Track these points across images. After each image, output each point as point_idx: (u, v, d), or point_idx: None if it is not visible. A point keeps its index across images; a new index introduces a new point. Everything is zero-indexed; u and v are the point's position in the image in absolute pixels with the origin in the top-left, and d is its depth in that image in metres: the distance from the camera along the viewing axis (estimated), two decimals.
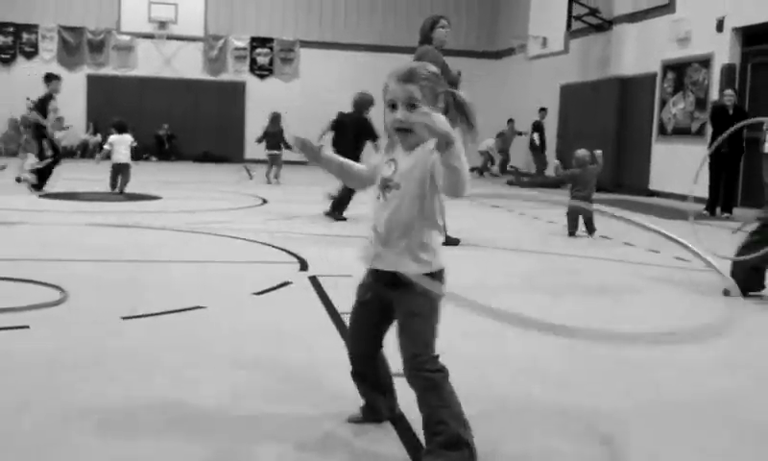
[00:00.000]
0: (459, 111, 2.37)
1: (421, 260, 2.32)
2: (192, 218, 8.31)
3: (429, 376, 2.30)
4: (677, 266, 6.41)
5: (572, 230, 8.32)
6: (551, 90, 19.75)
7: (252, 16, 23.04)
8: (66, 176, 12.92)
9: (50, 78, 11.56)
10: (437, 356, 2.33)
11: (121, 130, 11.32)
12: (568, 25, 17.91)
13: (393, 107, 2.33)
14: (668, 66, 15.48)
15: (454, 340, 3.25)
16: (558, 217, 10.21)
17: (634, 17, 16.60)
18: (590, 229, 8.26)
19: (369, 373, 2.60)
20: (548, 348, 3.64)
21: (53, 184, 11.20)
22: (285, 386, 3.05)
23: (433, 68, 2.40)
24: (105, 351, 3.42)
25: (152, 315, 4.08)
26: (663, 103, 15.67)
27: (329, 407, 2.80)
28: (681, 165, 14.54)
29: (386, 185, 2.36)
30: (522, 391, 3.13)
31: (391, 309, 2.41)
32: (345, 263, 5.91)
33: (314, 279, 5.19)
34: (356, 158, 12.43)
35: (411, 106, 2.29)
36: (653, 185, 15.80)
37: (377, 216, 2.37)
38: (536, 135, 18.44)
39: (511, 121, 19.85)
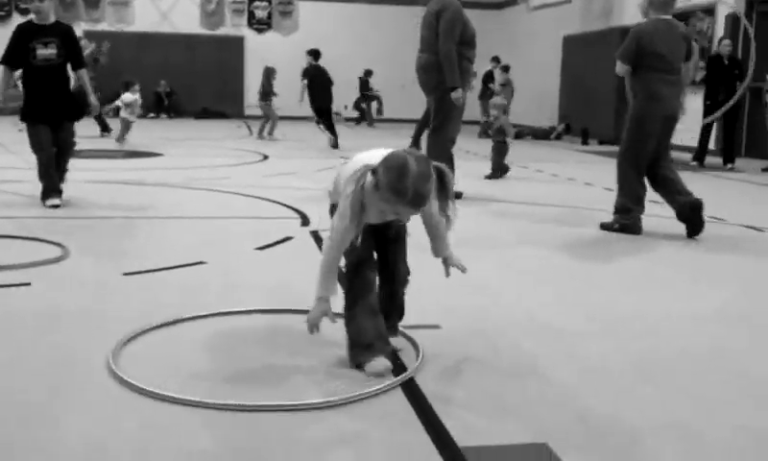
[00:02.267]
0: (443, 190, 2.63)
1: None
2: (193, 174, 8.25)
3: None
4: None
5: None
6: (554, 42, 19.53)
7: None
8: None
9: None
10: None
11: (128, 87, 12.51)
12: None
13: (396, 213, 2.62)
14: (672, 15, 15.27)
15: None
16: (563, 170, 10.15)
17: None
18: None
19: (393, 291, 3.02)
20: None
21: None
22: (287, 337, 3.04)
23: (431, 180, 2.53)
24: (104, 306, 3.40)
25: (153, 271, 4.05)
26: None
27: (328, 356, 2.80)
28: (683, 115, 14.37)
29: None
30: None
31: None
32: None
33: (315, 234, 5.16)
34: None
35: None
36: None
37: None
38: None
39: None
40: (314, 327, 2.72)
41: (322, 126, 13.06)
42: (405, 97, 19.45)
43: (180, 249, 4.65)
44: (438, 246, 2.97)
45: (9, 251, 4.51)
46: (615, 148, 13.81)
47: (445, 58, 6.70)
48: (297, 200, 6.55)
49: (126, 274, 3.97)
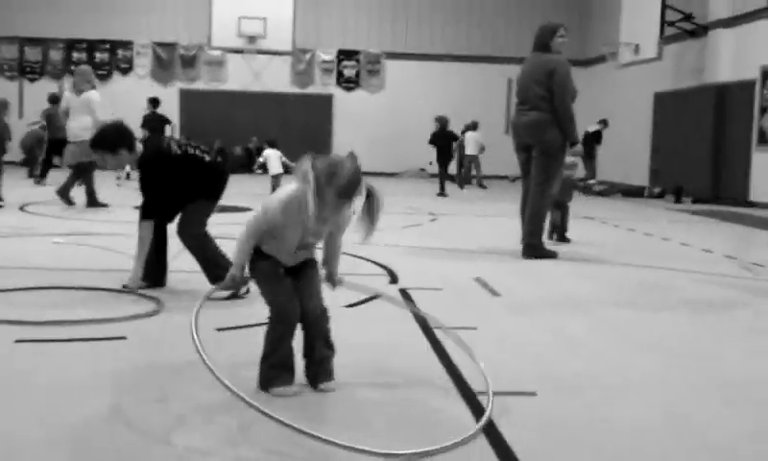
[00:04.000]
0: (369, 207, 2.84)
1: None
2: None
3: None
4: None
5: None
6: (644, 99, 19.22)
7: (339, 30, 23.23)
8: None
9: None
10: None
11: (272, 145, 13.60)
12: (661, 31, 17.39)
13: (323, 222, 2.91)
14: None
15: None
16: (654, 229, 9.88)
17: (730, 22, 16.00)
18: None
19: (313, 332, 3.10)
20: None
21: None
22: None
23: (362, 181, 2.82)
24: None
25: (243, 327, 4.05)
26: (764, 110, 15.04)
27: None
28: None
29: (307, 246, 3.07)
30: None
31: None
32: (434, 275, 5.81)
33: (404, 292, 5.10)
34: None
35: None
36: (753, 196, 15.17)
37: (295, 258, 3.08)
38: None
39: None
40: (226, 289, 3.26)
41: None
42: (493, 154, 19.28)
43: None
44: (333, 265, 3.13)
45: (105, 303, 4.59)
46: (711, 207, 13.42)
47: (566, 115, 6.78)
48: (384, 257, 6.51)
49: (219, 329, 3.98)
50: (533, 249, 6.88)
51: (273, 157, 13.31)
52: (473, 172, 18.82)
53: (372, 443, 2.48)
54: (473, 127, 18.65)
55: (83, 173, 10.39)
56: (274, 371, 3.01)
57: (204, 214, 4.91)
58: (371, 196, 2.84)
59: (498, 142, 20.37)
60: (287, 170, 12.70)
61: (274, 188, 12.11)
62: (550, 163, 6.88)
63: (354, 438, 2.50)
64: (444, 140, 15.95)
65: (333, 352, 3.12)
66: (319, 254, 3.17)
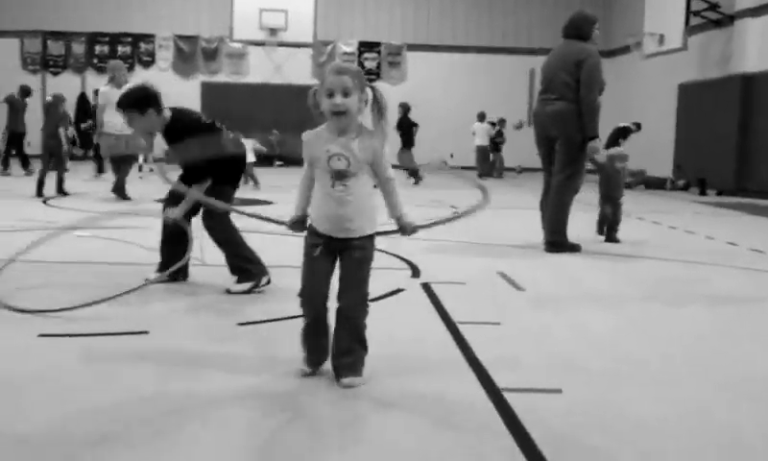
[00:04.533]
0: (378, 105, 2.98)
1: (370, 226, 3.03)
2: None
3: (365, 311, 3.06)
4: None
5: None
6: (668, 90, 19.02)
7: (360, 21, 23.19)
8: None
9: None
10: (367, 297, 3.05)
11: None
12: (687, 21, 17.18)
13: (330, 95, 2.89)
14: None
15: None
16: (678, 222, 9.77)
17: (757, 11, 15.77)
18: None
19: (325, 317, 3.07)
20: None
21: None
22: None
23: (357, 68, 3.03)
24: (216, 352, 3.39)
25: (266, 321, 4.04)
26: None
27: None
28: None
29: (343, 176, 2.92)
30: None
31: (334, 258, 3.04)
32: (457, 269, 5.77)
33: (427, 287, 5.07)
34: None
35: (345, 94, 2.88)
36: None
37: (335, 200, 2.94)
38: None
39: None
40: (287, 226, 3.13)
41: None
42: (518, 144, 19.22)
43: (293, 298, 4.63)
44: (391, 202, 3.07)
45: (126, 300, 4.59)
46: (736, 199, 13.26)
47: (589, 107, 6.59)
48: (406, 250, 6.47)
49: (240, 324, 3.97)
50: (556, 246, 6.77)
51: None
52: (492, 162, 18.94)
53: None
54: (481, 118, 18.87)
55: (122, 164, 10.73)
56: (303, 350, 3.14)
57: (227, 201, 4.77)
58: (375, 94, 2.98)
59: (522, 134, 20.26)
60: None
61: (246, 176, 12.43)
62: (575, 157, 6.72)
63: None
64: (405, 127, 16.66)
65: (362, 348, 3.07)
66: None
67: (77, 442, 2.46)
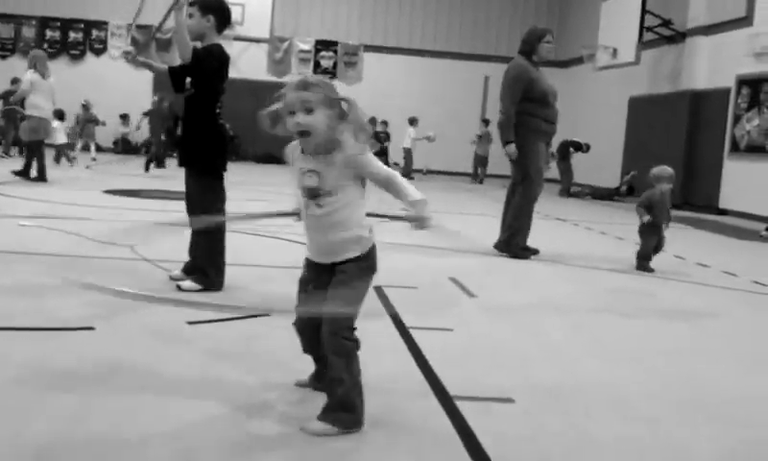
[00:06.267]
0: (353, 123, 2.63)
1: (356, 249, 2.68)
2: (259, 221, 8.21)
3: (342, 343, 2.59)
4: (754, 290, 6.10)
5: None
6: (619, 102, 19.32)
7: (318, 20, 23.10)
8: (131, 172, 12.95)
9: None
10: (355, 328, 2.65)
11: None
12: (640, 36, 17.48)
13: (292, 113, 2.57)
14: (743, 81, 14.99)
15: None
16: (624, 232, 9.92)
17: (708, 30, 16.13)
18: None
19: (315, 349, 2.79)
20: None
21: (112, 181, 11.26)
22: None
23: (324, 79, 2.69)
24: (161, 358, 3.32)
25: (217, 321, 3.97)
26: (737, 119, 15.17)
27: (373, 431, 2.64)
28: (754, 184, 14.05)
29: (316, 195, 2.63)
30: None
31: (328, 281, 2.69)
32: (410, 272, 5.75)
33: (379, 290, 5.04)
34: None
35: (307, 111, 2.55)
36: (723, 204, 15.31)
37: (313, 223, 2.67)
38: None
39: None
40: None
41: None
42: (468, 150, 19.38)
43: (239, 299, 4.57)
44: (399, 194, 2.67)
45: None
46: (681, 213, 13.50)
47: (502, 112, 7.03)
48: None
49: (190, 323, 3.89)
50: (506, 245, 7.01)
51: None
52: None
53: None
54: (411, 122, 19.73)
55: (40, 147, 11.24)
56: None
57: (216, 196, 4.68)
58: (348, 106, 2.61)
59: (473, 139, 20.41)
60: None
61: None
62: (517, 164, 7.06)
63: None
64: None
65: (331, 387, 2.63)
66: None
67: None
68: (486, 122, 20.31)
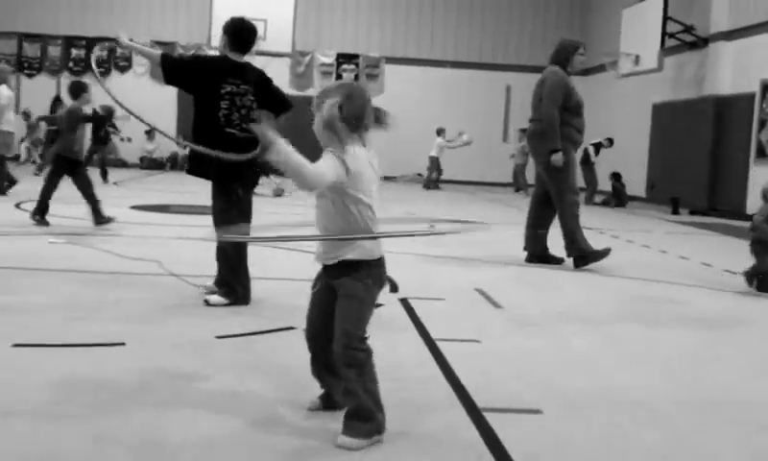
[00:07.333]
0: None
1: (353, 251, 2.66)
2: (279, 233, 8.23)
3: (353, 354, 2.62)
4: None
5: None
6: (643, 109, 19.23)
7: (339, 33, 23.21)
8: (157, 188, 13.06)
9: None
10: (366, 337, 2.67)
11: None
12: (662, 42, 17.39)
13: None
14: None
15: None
16: (651, 241, 9.85)
17: (731, 35, 16.02)
18: None
19: (324, 356, 2.80)
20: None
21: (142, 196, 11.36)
22: None
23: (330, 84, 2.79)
24: (191, 372, 3.36)
25: (245, 335, 4.01)
26: (763, 123, 15.04)
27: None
28: None
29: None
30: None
31: (335, 293, 2.72)
32: (437, 284, 5.77)
33: (405, 302, 5.06)
34: None
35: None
36: (751, 209, 15.15)
37: (317, 219, 2.74)
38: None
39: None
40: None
41: None
42: (490, 160, 19.39)
43: (267, 313, 4.61)
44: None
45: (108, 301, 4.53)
46: (708, 219, 13.39)
47: (546, 120, 6.98)
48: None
49: (218, 337, 3.93)
50: (581, 259, 6.98)
51: None
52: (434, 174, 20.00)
53: None
54: (438, 132, 19.73)
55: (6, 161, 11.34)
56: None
57: (228, 207, 4.72)
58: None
59: (495, 148, 20.42)
60: None
61: None
62: (548, 173, 7.07)
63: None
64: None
65: (362, 407, 2.64)
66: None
67: None
68: (524, 131, 20.04)
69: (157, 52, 4.92)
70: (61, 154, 8.31)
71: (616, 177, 17.59)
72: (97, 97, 9.55)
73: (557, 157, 6.90)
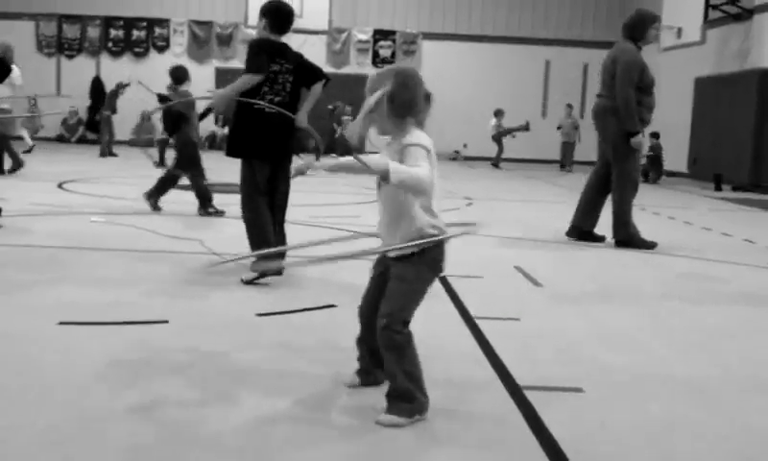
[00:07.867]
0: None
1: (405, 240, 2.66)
2: (316, 212, 8.30)
3: (392, 336, 2.63)
4: None
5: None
6: (685, 83, 18.89)
7: (375, 9, 23.09)
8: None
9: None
10: (407, 321, 2.67)
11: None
12: (705, 14, 17.04)
13: None
14: None
15: None
16: (694, 218, 9.71)
17: None
18: None
19: (369, 337, 2.81)
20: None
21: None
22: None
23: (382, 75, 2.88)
24: (232, 350, 3.39)
25: (285, 313, 4.04)
26: None
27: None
28: None
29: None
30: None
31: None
32: (475, 262, 5.75)
33: (444, 280, 5.04)
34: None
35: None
36: None
37: (380, 207, 2.80)
38: None
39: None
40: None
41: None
42: (529, 137, 19.26)
43: (310, 290, 4.63)
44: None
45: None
46: (749, 195, 13.15)
47: (622, 102, 6.71)
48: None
49: (258, 314, 3.96)
50: (624, 243, 6.82)
51: None
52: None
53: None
54: (496, 114, 19.29)
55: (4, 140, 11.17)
56: None
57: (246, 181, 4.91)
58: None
59: (534, 125, 20.21)
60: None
61: None
62: (616, 153, 6.84)
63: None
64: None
65: (405, 389, 2.66)
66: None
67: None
68: (571, 107, 19.56)
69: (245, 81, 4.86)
70: (192, 140, 8.09)
71: (656, 136, 17.08)
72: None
73: (636, 141, 6.70)
